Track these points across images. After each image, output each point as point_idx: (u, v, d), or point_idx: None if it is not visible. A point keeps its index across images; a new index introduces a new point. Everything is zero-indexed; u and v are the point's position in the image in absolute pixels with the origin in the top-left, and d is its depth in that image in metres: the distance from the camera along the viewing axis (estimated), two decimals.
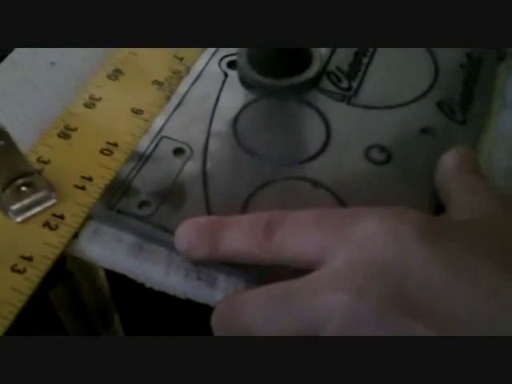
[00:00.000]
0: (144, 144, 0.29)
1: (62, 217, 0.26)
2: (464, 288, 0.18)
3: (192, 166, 0.28)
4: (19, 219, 0.26)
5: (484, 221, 0.21)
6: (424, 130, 0.29)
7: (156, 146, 0.29)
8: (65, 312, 0.62)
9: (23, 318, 0.24)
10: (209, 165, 0.28)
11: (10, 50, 0.34)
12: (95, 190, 0.27)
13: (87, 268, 0.55)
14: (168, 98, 0.32)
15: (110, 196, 0.27)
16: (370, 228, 0.19)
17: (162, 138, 0.29)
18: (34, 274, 0.24)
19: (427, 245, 0.18)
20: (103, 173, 0.28)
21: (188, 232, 0.24)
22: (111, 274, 0.27)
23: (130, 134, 0.30)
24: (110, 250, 0.26)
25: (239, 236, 0.22)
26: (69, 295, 0.57)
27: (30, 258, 0.25)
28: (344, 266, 0.19)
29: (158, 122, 0.30)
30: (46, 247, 0.25)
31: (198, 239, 0.23)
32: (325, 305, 0.18)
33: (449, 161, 0.25)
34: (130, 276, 0.26)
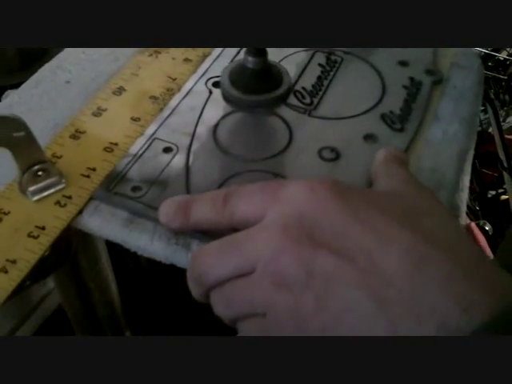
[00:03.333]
0: (139, 144, 0.36)
1: (70, 197, 0.32)
2: (362, 229, 0.23)
3: (177, 161, 0.34)
4: (35, 198, 0.32)
5: (390, 192, 0.27)
6: (368, 136, 0.36)
7: (149, 145, 0.36)
8: (80, 327, 0.67)
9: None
10: (191, 160, 0.34)
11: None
12: (98, 177, 0.34)
13: (103, 284, 0.61)
14: (161, 110, 0.38)
15: (109, 182, 0.33)
16: (295, 189, 0.25)
17: (155, 139, 0.36)
18: (46, 240, 0.30)
19: (337, 198, 0.24)
20: (105, 165, 0.34)
21: (167, 208, 0.30)
22: (124, 289, 0.31)
23: (128, 136, 0.36)
24: (106, 223, 0.32)
25: (204, 207, 0.28)
26: (84, 310, 0.62)
27: (43, 228, 0.31)
28: (272, 216, 0.25)
29: (152, 127, 0.37)
30: (56, 220, 0.31)
31: (173, 213, 0.29)
32: (255, 246, 0.24)
33: (380, 154, 0.31)
34: (123, 245, 0.32)
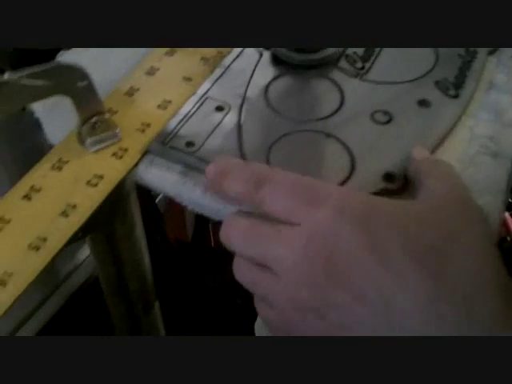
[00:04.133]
0: (192, 102, 0.36)
1: (126, 150, 0.33)
2: (383, 273, 0.23)
3: (229, 120, 0.35)
4: (93, 149, 0.33)
5: (427, 211, 0.25)
6: (422, 101, 0.35)
7: (201, 104, 0.36)
8: (111, 298, 0.68)
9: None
10: (243, 119, 0.35)
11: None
12: (152, 133, 0.34)
13: (137, 256, 0.62)
14: (212, 71, 0.39)
15: (164, 137, 0.34)
16: (324, 212, 0.25)
17: (207, 98, 0.37)
18: (104, 189, 0.31)
19: (363, 232, 0.24)
20: (159, 121, 0.35)
21: (208, 171, 0.29)
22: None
23: (181, 94, 0.37)
24: (162, 176, 0.32)
25: (236, 184, 0.27)
26: (117, 279, 0.64)
27: (101, 176, 0.32)
28: (299, 233, 0.25)
29: (204, 87, 0.37)
30: (113, 170, 0.32)
31: (211, 179, 0.29)
32: (279, 252, 0.25)
33: (420, 152, 0.31)
34: (177, 198, 0.32)
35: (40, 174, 0.32)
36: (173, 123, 0.35)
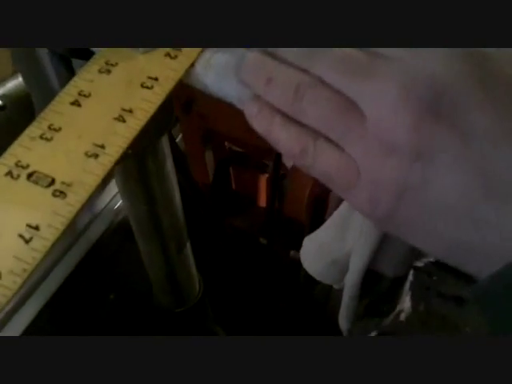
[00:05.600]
0: None
1: (180, 49, 0.30)
2: (493, 116, 0.20)
3: None
4: (143, 50, 0.29)
5: None
6: None
7: None
8: (143, 236, 0.66)
9: None
10: None
11: None
12: None
13: (168, 192, 0.59)
14: None
15: None
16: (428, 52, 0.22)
17: None
18: (161, 90, 0.28)
19: (478, 72, 0.21)
20: None
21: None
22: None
23: None
24: (221, 77, 0.29)
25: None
26: (149, 218, 0.61)
27: (156, 78, 0.28)
28: (402, 67, 0.22)
29: None
30: (169, 71, 0.29)
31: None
32: (371, 88, 0.22)
33: None
34: (238, 105, 0.29)
35: (87, 77, 0.28)
36: None
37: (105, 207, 0.71)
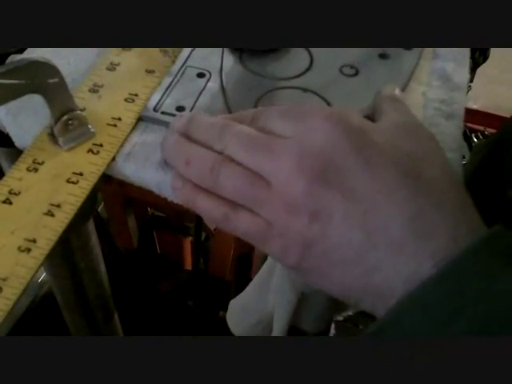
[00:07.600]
0: (173, 72, 0.38)
1: (101, 145, 0.33)
2: (372, 176, 0.25)
3: (212, 84, 0.37)
4: (67, 147, 0.33)
5: (398, 127, 0.28)
6: (381, 55, 0.39)
7: (183, 73, 0.38)
8: (69, 310, 0.66)
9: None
10: (225, 82, 0.37)
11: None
12: (125, 126, 0.34)
13: (93, 264, 0.61)
14: (174, 62, 0.39)
15: (155, 104, 0.35)
16: (321, 120, 0.27)
17: (187, 67, 0.39)
18: (86, 184, 0.31)
19: (355, 140, 0.26)
20: (129, 114, 0.35)
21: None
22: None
23: (146, 86, 0.37)
24: (141, 168, 0.32)
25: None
26: (74, 291, 0.62)
27: (80, 173, 0.31)
28: (296, 139, 0.27)
29: (183, 55, 0.39)
30: (92, 166, 0.32)
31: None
32: (273, 159, 0.27)
33: (386, 90, 0.33)
34: (156, 191, 0.33)
35: (16, 176, 0.31)
36: (160, 91, 0.37)
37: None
